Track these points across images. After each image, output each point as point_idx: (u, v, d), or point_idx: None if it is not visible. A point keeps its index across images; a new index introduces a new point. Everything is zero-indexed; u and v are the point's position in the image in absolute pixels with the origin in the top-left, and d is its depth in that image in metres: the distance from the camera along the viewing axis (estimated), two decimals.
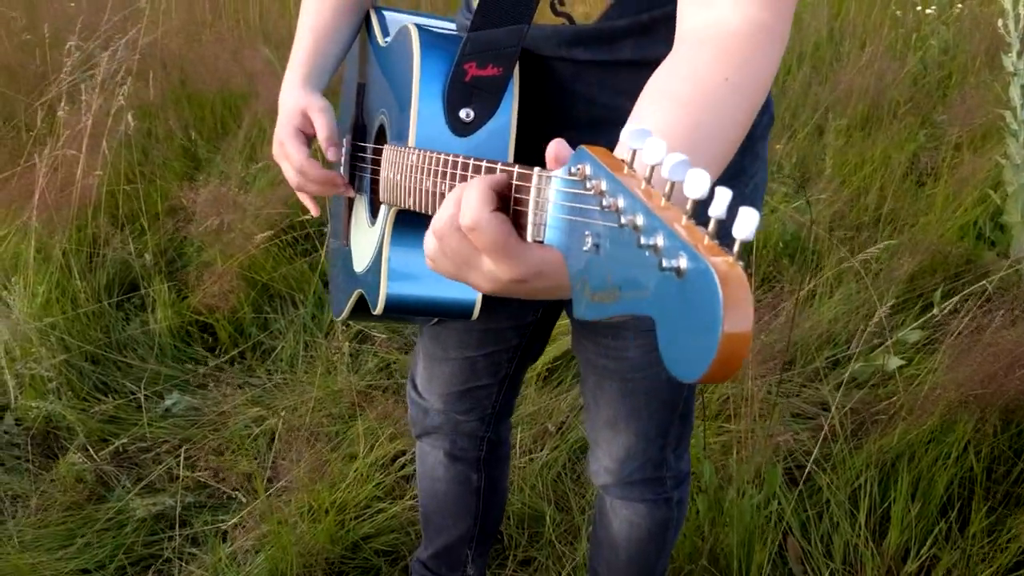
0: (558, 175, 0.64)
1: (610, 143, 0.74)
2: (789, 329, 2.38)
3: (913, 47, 4.49)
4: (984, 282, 2.45)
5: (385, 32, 1.34)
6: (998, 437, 2.13)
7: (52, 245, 2.81)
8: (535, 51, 1.11)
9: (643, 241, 0.48)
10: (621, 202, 0.52)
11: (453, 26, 1.33)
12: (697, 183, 0.49)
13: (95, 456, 2.24)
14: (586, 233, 0.57)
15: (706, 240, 0.47)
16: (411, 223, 1.10)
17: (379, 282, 1.14)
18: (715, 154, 0.86)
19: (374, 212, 1.25)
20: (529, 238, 0.69)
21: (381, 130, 1.26)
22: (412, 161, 0.95)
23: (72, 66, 3.13)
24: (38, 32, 4.01)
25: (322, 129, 1.22)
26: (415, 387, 1.56)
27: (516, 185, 0.71)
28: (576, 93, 1.13)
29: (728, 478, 2.04)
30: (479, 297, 1.12)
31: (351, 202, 1.39)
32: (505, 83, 1.07)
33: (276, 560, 1.90)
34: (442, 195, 0.86)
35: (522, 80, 1.09)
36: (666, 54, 0.91)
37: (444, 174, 0.85)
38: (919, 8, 4.68)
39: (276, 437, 2.28)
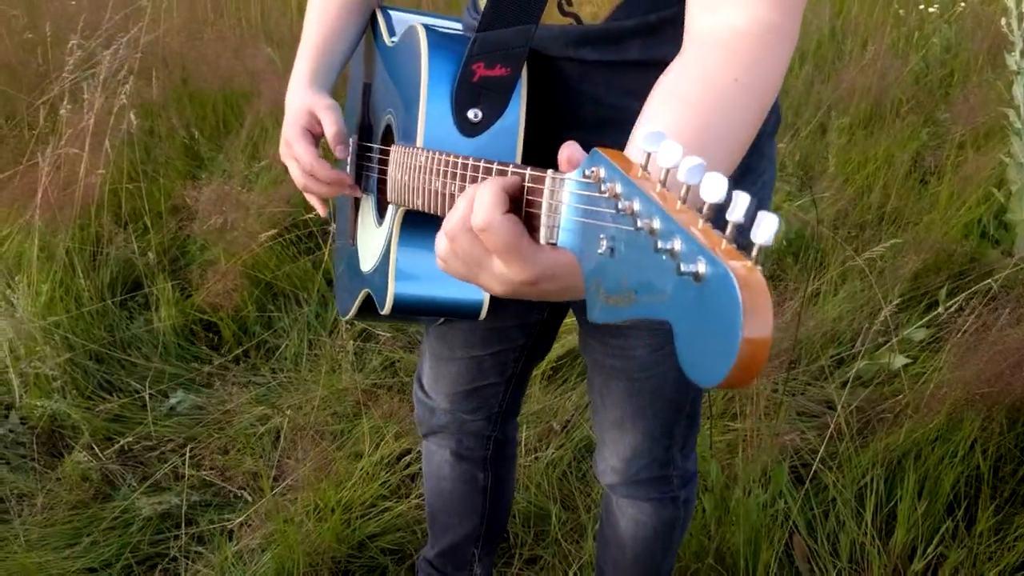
0: (572, 177, 0.64)
1: (617, 143, 0.74)
2: (795, 328, 2.38)
3: (915, 46, 4.48)
4: (989, 281, 2.44)
5: (391, 32, 1.34)
6: (1004, 435, 2.13)
7: (55, 244, 2.81)
8: (542, 51, 1.11)
9: (660, 245, 0.48)
10: (637, 205, 0.52)
11: (459, 26, 1.33)
12: (714, 187, 0.49)
13: (100, 455, 2.24)
14: (600, 236, 0.57)
15: (724, 244, 0.47)
16: (419, 223, 1.10)
17: (386, 282, 1.14)
18: (725, 155, 0.86)
19: (381, 212, 1.25)
20: (542, 240, 0.69)
21: (388, 130, 1.26)
22: (421, 162, 0.95)
23: (74, 65, 3.13)
24: (39, 31, 4.00)
25: (330, 127, 1.22)
26: (421, 386, 1.56)
27: (528, 187, 0.71)
28: (583, 93, 1.13)
29: (734, 477, 2.04)
30: (486, 298, 1.12)
31: (357, 201, 1.39)
32: (513, 83, 1.07)
33: (282, 559, 1.90)
34: (451, 196, 0.86)
35: (529, 80, 1.09)
36: (674, 55, 0.91)
37: (454, 175, 0.85)
38: (922, 7, 4.67)
39: (281, 436, 2.28)
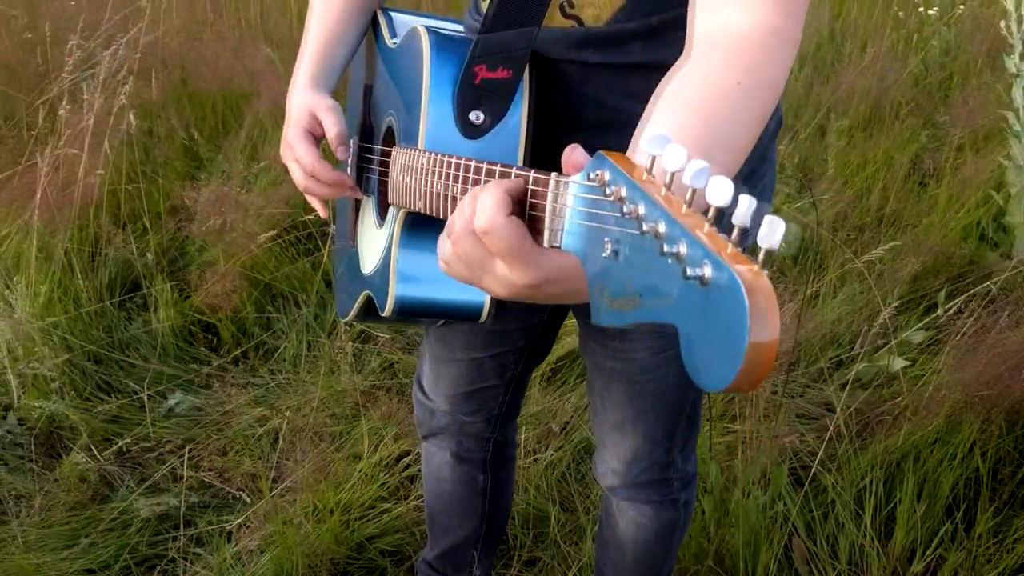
0: (576, 181, 0.64)
1: (619, 146, 0.74)
2: (794, 330, 2.38)
3: (915, 48, 4.49)
4: (988, 283, 2.45)
5: (393, 33, 1.34)
6: (1004, 438, 2.13)
7: (54, 244, 2.81)
8: (544, 53, 1.11)
9: (666, 249, 0.48)
10: (642, 209, 0.52)
11: (461, 28, 1.33)
12: (720, 190, 0.49)
13: (98, 456, 2.24)
14: (605, 239, 0.56)
15: (729, 248, 0.47)
16: (420, 225, 1.10)
17: (388, 284, 1.14)
18: (728, 158, 0.86)
19: (382, 214, 1.25)
20: (546, 243, 0.69)
21: (389, 132, 1.26)
22: (423, 164, 0.95)
23: (73, 65, 3.12)
24: (39, 31, 4.00)
25: (331, 128, 1.22)
26: (421, 388, 1.56)
27: (532, 190, 0.71)
28: (585, 95, 1.13)
29: (733, 479, 2.04)
30: (488, 300, 1.12)
31: (358, 203, 1.39)
32: (515, 86, 1.06)
33: (281, 560, 1.90)
34: (454, 199, 0.86)
35: (531, 82, 1.09)
36: (675, 57, 0.91)
37: (456, 177, 0.85)
38: (921, 9, 4.67)
39: (280, 437, 2.28)
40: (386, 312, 1.15)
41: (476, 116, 1.05)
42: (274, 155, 3.36)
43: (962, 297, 2.44)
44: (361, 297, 1.29)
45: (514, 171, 0.74)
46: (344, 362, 2.54)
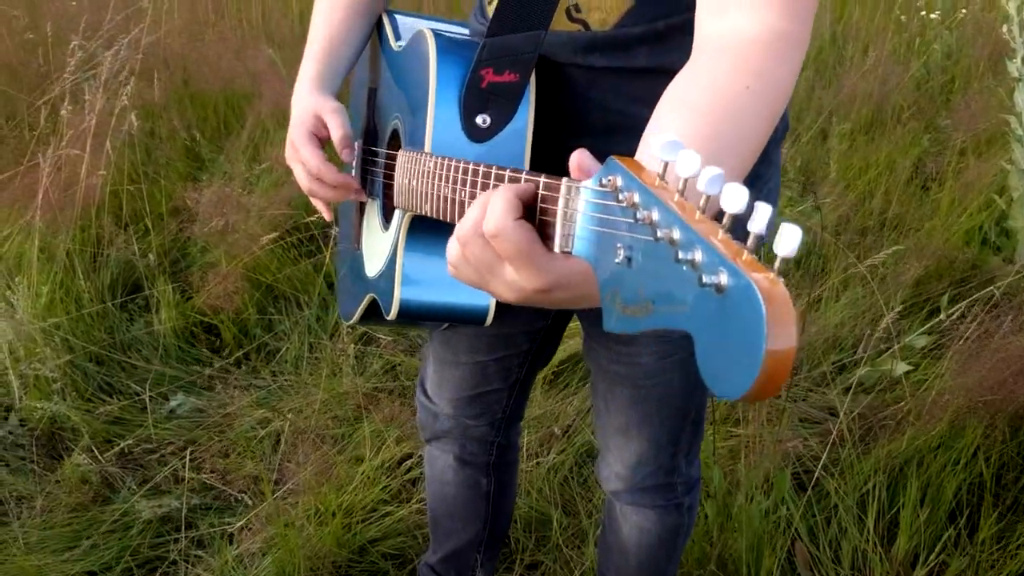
0: (588, 186, 0.63)
1: (625, 150, 0.74)
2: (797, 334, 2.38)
3: (917, 52, 4.49)
4: (992, 288, 2.44)
5: (397, 36, 1.33)
6: (1007, 443, 2.13)
7: (56, 245, 2.81)
8: (550, 57, 1.11)
9: (680, 256, 0.48)
10: (655, 215, 0.52)
11: (466, 31, 1.32)
12: (735, 197, 0.48)
13: (100, 457, 2.23)
14: (617, 245, 0.56)
15: (744, 255, 0.46)
16: (426, 229, 1.10)
17: (393, 287, 1.14)
18: (736, 163, 0.86)
19: (387, 217, 1.24)
20: (556, 249, 0.69)
21: (394, 134, 1.25)
22: (429, 167, 0.95)
23: (75, 65, 3.13)
24: (40, 31, 4.00)
25: (337, 130, 1.22)
26: (425, 391, 1.56)
27: (543, 195, 0.70)
28: (591, 100, 1.12)
29: (736, 483, 2.03)
30: (493, 304, 1.12)
31: (362, 205, 1.38)
32: (522, 89, 1.06)
33: (283, 563, 1.89)
34: (462, 203, 0.86)
35: (537, 86, 1.08)
36: (682, 62, 0.90)
37: (464, 181, 0.85)
38: (923, 13, 4.67)
39: (282, 439, 2.28)
40: (391, 315, 1.15)
41: (483, 120, 1.05)
42: (276, 156, 3.36)
43: (965, 302, 2.44)
44: (365, 300, 1.29)
45: (524, 176, 0.73)
46: (346, 364, 2.54)
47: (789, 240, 0.44)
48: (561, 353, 2.47)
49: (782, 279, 0.45)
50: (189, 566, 1.97)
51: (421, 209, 0.98)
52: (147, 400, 2.38)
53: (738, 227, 0.50)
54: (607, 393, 1.38)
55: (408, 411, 2.33)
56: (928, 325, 2.59)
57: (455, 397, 1.51)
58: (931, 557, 1.91)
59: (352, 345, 2.60)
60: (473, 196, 0.82)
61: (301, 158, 1.23)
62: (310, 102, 1.25)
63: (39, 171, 2.81)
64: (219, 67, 4.00)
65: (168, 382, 2.52)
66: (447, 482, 1.64)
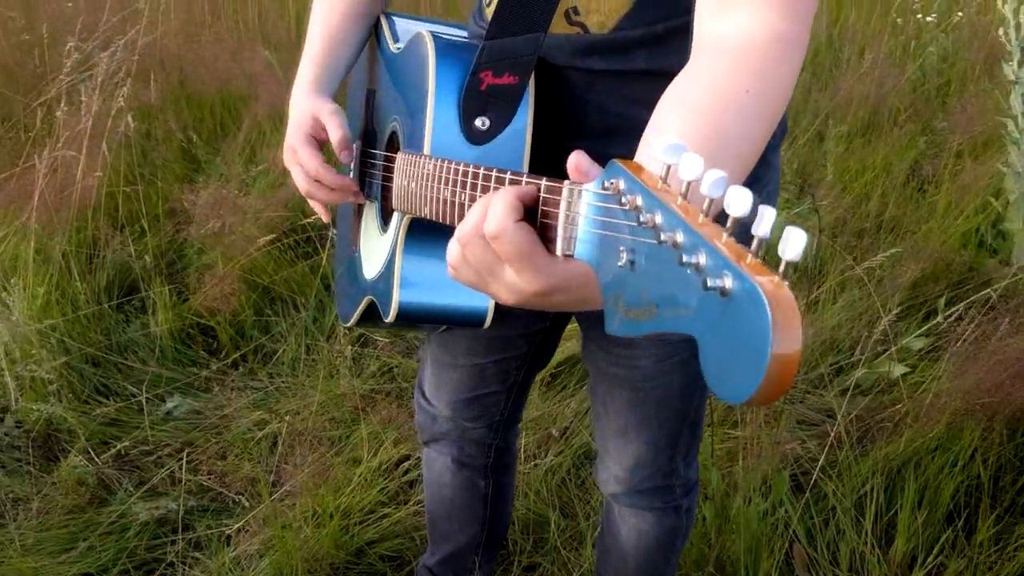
0: (590, 189, 0.63)
1: (624, 152, 0.74)
2: None
3: (912, 54, 4.49)
4: (988, 290, 2.44)
5: (395, 38, 1.33)
6: (1004, 445, 2.13)
7: (52, 246, 2.80)
8: (549, 60, 1.11)
9: (684, 259, 0.48)
10: (659, 218, 0.52)
11: (465, 33, 1.32)
12: (739, 200, 0.48)
13: (96, 459, 2.23)
14: (620, 249, 0.56)
15: (749, 258, 0.46)
16: (425, 231, 1.10)
17: (391, 290, 1.13)
18: (736, 165, 0.85)
19: (385, 219, 1.24)
20: (558, 252, 0.69)
21: (392, 137, 1.25)
22: (428, 170, 0.94)
23: (71, 67, 3.12)
24: (36, 32, 3.99)
25: (335, 131, 1.21)
26: (423, 393, 1.56)
27: (544, 198, 0.70)
28: (589, 102, 1.12)
29: (734, 485, 2.03)
30: (491, 306, 1.12)
31: (360, 208, 1.38)
32: (521, 92, 1.06)
33: (280, 565, 1.89)
34: (461, 205, 0.85)
35: (536, 89, 1.08)
36: (680, 65, 0.90)
37: (464, 184, 0.84)
38: (919, 16, 4.68)
39: (279, 441, 2.27)
40: (389, 318, 1.15)
41: (482, 122, 1.05)
42: (272, 158, 3.35)
43: (962, 304, 2.44)
44: (363, 302, 1.29)
45: (525, 178, 0.73)
46: (343, 366, 2.54)
47: (795, 244, 0.44)
48: (559, 355, 2.47)
49: (787, 283, 0.45)
50: (186, 568, 1.97)
51: (420, 211, 0.98)
52: (143, 402, 2.38)
53: (740, 230, 0.50)
54: (606, 396, 1.38)
55: (405, 413, 2.33)
56: (925, 327, 2.59)
57: (453, 399, 1.51)
58: (929, 559, 1.92)
59: (349, 347, 2.60)
60: (473, 199, 0.82)
61: (299, 160, 1.22)
62: (308, 104, 1.25)
63: (35, 172, 2.80)
64: (215, 68, 3.99)
65: (164, 384, 2.52)
66: (445, 484, 1.64)
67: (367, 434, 2.25)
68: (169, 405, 2.44)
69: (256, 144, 3.60)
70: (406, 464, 2.21)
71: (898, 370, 2.39)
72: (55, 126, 3.05)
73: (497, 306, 1.11)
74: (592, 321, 1.33)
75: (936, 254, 2.91)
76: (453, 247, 0.77)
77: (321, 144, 1.26)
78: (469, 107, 1.05)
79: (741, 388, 0.44)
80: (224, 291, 2.70)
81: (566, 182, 0.68)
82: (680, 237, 0.49)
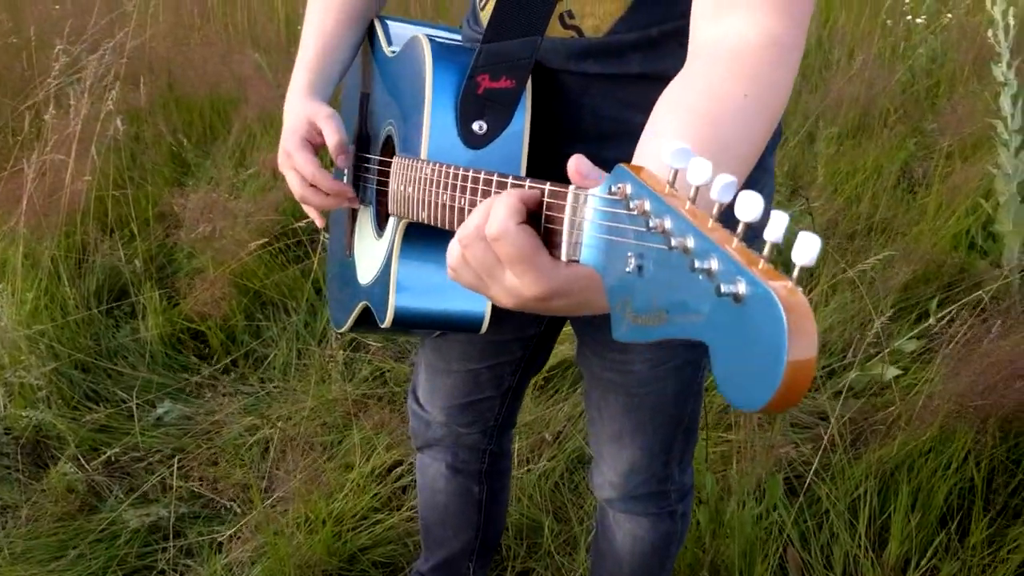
0: (597, 194, 0.62)
1: (618, 156, 0.73)
2: None
3: (902, 56, 4.51)
4: (980, 292, 2.45)
5: (390, 42, 1.33)
6: (997, 448, 2.13)
7: (40, 251, 2.78)
8: (544, 64, 1.10)
9: (697, 265, 0.47)
10: (668, 223, 0.51)
11: (459, 37, 1.32)
12: (750, 205, 0.48)
13: (86, 466, 2.21)
14: (628, 254, 0.55)
15: (761, 264, 0.46)
16: (421, 236, 1.09)
17: (387, 295, 1.13)
18: (735, 169, 0.85)
19: (381, 224, 1.23)
20: (564, 257, 0.68)
21: (387, 141, 1.24)
22: (426, 174, 0.94)
23: (59, 70, 3.10)
24: (24, 35, 3.97)
25: (332, 136, 1.20)
26: (416, 399, 1.55)
27: (548, 203, 0.69)
28: (584, 106, 1.12)
29: (728, 489, 2.03)
30: (488, 311, 1.11)
31: (354, 212, 1.37)
32: (518, 96, 1.05)
33: (272, 572, 1.88)
34: (461, 210, 0.85)
35: (531, 93, 1.08)
36: (675, 68, 0.90)
37: (464, 188, 0.84)
38: (909, 17, 4.70)
39: (271, 447, 2.26)
40: (385, 323, 1.14)
41: (479, 126, 1.04)
42: (263, 161, 3.34)
43: (954, 306, 2.44)
44: (358, 307, 1.28)
45: (528, 182, 0.73)
46: (335, 370, 2.52)
47: (807, 248, 0.44)
48: (552, 359, 2.45)
49: (800, 288, 0.44)
50: (178, 575, 1.95)
51: (418, 216, 0.97)
52: (134, 408, 2.36)
53: (749, 235, 0.49)
54: (600, 401, 1.37)
55: (398, 418, 2.32)
56: (917, 329, 2.59)
57: (447, 405, 1.50)
58: (922, 562, 1.91)
59: (341, 351, 2.59)
60: (473, 204, 0.81)
61: (295, 165, 1.21)
62: (303, 108, 1.24)
63: (23, 176, 2.78)
64: (205, 71, 3.98)
65: (155, 389, 2.50)
66: (439, 490, 1.63)
67: (359, 439, 2.24)
68: (160, 411, 2.42)
69: (246, 147, 3.58)
70: (399, 469, 2.20)
71: (891, 372, 2.39)
72: (43, 130, 3.04)
73: (493, 310, 1.10)
74: (587, 326, 1.33)
75: (927, 256, 2.91)
76: (454, 248, 0.76)
77: (316, 148, 1.25)
78: (466, 111, 1.04)
79: (756, 396, 0.43)
80: (215, 295, 2.69)
81: (571, 187, 0.67)
82: (691, 242, 0.48)
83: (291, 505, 2.05)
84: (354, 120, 1.40)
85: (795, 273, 0.44)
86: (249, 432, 2.33)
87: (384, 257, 1.15)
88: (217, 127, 3.86)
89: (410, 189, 0.99)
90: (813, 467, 2.06)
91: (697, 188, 0.53)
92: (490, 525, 1.69)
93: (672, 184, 0.55)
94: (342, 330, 1.38)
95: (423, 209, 0.95)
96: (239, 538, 2.01)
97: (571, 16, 1.08)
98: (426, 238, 1.09)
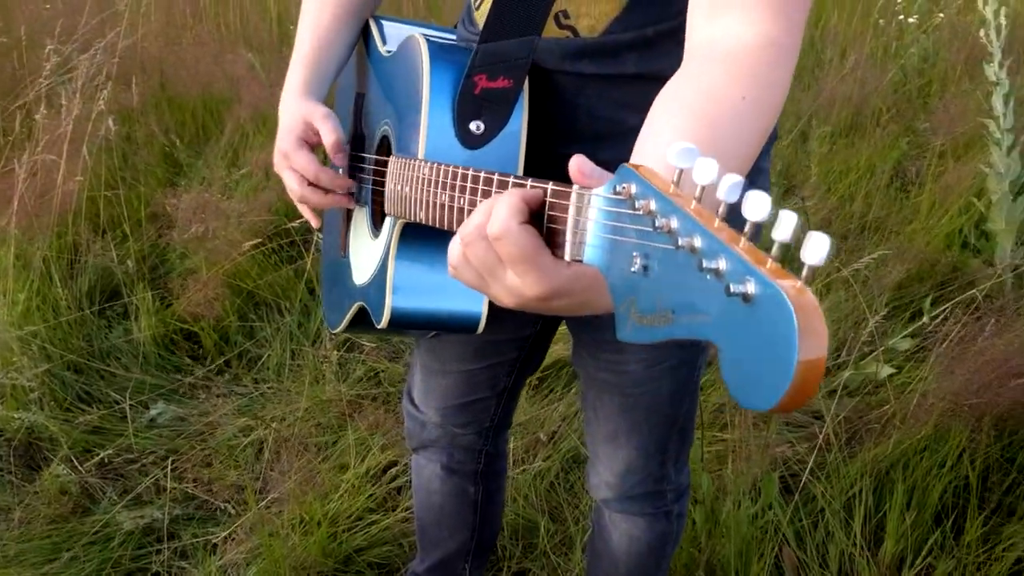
0: (601, 194, 0.62)
1: (614, 157, 0.73)
2: None
3: (893, 55, 4.52)
4: (975, 291, 2.45)
5: (385, 41, 1.32)
6: (992, 446, 2.14)
7: (32, 252, 2.77)
8: (539, 64, 1.10)
9: (705, 264, 0.47)
10: (674, 223, 0.51)
11: (454, 37, 1.31)
12: (758, 205, 0.47)
13: (79, 467, 2.20)
14: (634, 254, 0.55)
15: (769, 263, 0.45)
16: (418, 236, 1.08)
17: (384, 295, 1.12)
18: (734, 166, 0.85)
19: (376, 224, 1.23)
20: (567, 257, 0.67)
21: (383, 141, 1.24)
22: (424, 174, 0.93)
23: (50, 69, 3.09)
24: (14, 35, 3.94)
25: (329, 135, 1.20)
26: (411, 400, 1.54)
27: (551, 203, 0.69)
28: (579, 106, 1.12)
29: (723, 488, 2.03)
30: (485, 312, 1.10)
31: (348, 212, 1.36)
32: (515, 95, 1.05)
33: (268, 573, 1.87)
34: (460, 210, 0.84)
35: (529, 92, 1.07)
36: (671, 68, 0.89)
37: (463, 188, 0.83)
38: (901, 17, 4.71)
39: (265, 448, 2.25)
40: (382, 324, 1.13)
41: (477, 126, 1.04)
42: (256, 161, 3.33)
43: (948, 305, 2.45)
44: (353, 308, 1.27)
45: (530, 182, 0.72)
46: (329, 371, 2.52)
47: (818, 248, 0.43)
48: (546, 358, 2.46)
49: (810, 288, 0.44)
50: None
51: (415, 216, 0.97)
52: (127, 409, 2.35)
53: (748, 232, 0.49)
54: (595, 401, 1.37)
55: (392, 418, 2.31)
56: (911, 328, 2.60)
57: (442, 406, 1.50)
58: (918, 560, 1.92)
59: (335, 352, 2.58)
60: (473, 204, 0.81)
61: (295, 165, 1.21)
62: (299, 108, 1.23)
63: (14, 177, 2.77)
64: (197, 71, 3.96)
65: (148, 390, 2.49)
66: (434, 491, 1.62)
67: (354, 440, 2.23)
68: (153, 412, 2.41)
69: (239, 147, 3.57)
70: (394, 470, 2.19)
71: (885, 371, 2.39)
72: (35, 130, 3.02)
73: (490, 312, 1.10)
74: (583, 326, 1.32)
75: (921, 255, 2.92)
76: (455, 246, 0.76)
77: (313, 148, 1.24)
78: (464, 111, 1.04)
79: (766, 396, 0.43)
80: (208, 296, 2.68)
81: (575, 187, 0.66)
82: (698, 242, 0.48)
83: (286, 506, 2.04)
84: (348, 120, 1.39)
85: (804, 272, 0.44)
86: (243, 433, 2.33)
87: (380, 257, 1.15)
88: (210, 127, 3.85)
89: (407, 189, 0.98)
90: (808, 466, 2.06)
91: (703, 188, 0.52)
92: (486, 526, 1.69)
93: (677, 184, 0.55)
94: (337, 330, 1.37)
95: (421, 209, 0.94)
96: (234, 539, 2.00)
97: (566, 16, 1.08)
98: (423, 238, 1.09)
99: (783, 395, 0.42)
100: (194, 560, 1.98)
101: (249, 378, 2.58)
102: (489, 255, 0.72)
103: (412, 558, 1.84)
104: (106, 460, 2.24)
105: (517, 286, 0.72)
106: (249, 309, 2.81)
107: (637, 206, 0.55)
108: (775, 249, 0.46)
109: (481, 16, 1.14)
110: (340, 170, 1.33)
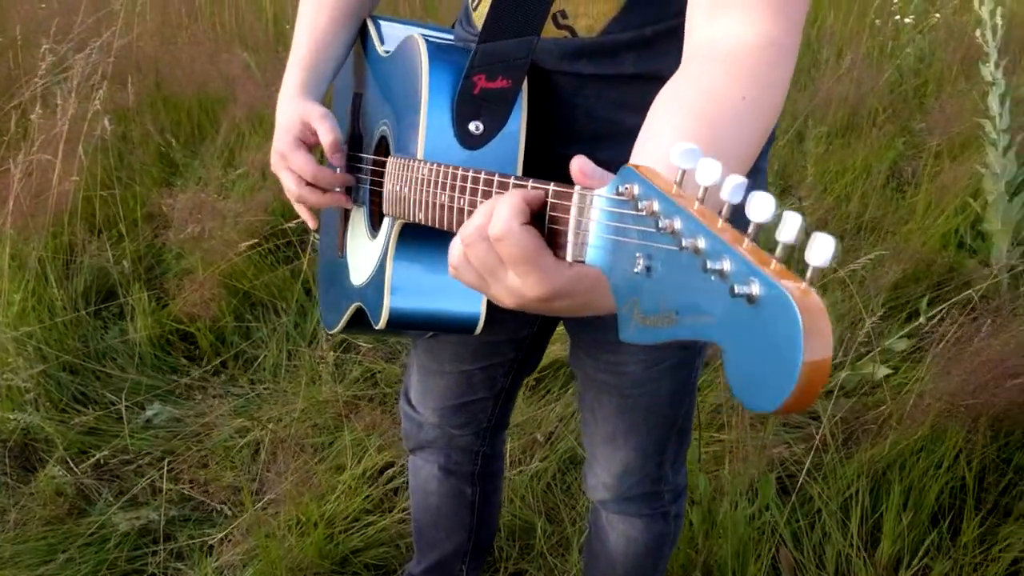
0: (603, 195, 0.62)
1: (613, 157, 0.73)
2: None
3: (890, 56, 4.52)
4: (971, 291, 2.46)
5: (383, 41, 1.32)
6: (988, 447, 2.14)
7: (27, 252, 2.76)
8: (537, 64, 1.10)
9: (709, 265, 0.47)
10: (678, 224, 0.51)
11: (452, 37, 1.31)
12: (762, 206, 0.47)
13: (75, 469, 2.19)
14: (637, 255, 0.55)
15: (773, 264, 0.45)
16: (416, 237, 1.08)
17: (382, 296, 1.12)
18: (735, 166, 0.84)
19: (375, 224, 1.22)
20: (569, 258, 0.67)
21: (381, 141, 1.23)
22: (423, 174, 0.93)
23: (46, 69, 3.07)
24: (9, 34, 3.93)
25: (327, 135, 1.19)
26: (409, 400, 1.54)
27: (552, 203, 0.69)
28: (577, 106, 1.11)
29: (720, 489, 2.03)
30: (483, 312, 1.10)
31: (346, 213, 1.36)
32: (514, 95, 1.05)
33: (264, 574, 1.87)
34: (460, 210, 0.84)
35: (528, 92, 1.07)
36: (669, 68, 0.89)
37: (463, 189, 0.83)
38: (897, 17, 4.71)
39: (261, 449, 2.25)
40: (380, 324, 1.13)
41: (476, 126, 1.03)
42: (252, 161, 3.32)
43: (944, 305, 2.45)
44: (351, 309, 1.27)
45: (531, 183, 0.72)
46: (325, 372, 2.51)
47: (822, 249, 0.43)
48: (543, 359, 2.46)
49: (814, 289, 0.44)
50: None
51: (414, 217, 0.96)
52: (123, 410, 2.34)
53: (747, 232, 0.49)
54: (594, 402, 1.37)
55: (389, 419, 2.31)
56: (908, 328, 2.60)
57: (440, 407, 1.49)
58: (914, 561, 1.92)
59: (331, 352, 2.58)
60: (473, 204, 0.80)
61: (292, 165, 1.20)
62: (296, 108, 1.23)
63: (9, 177, 2.76)
64: (192, 71, 3.95)
65: (144, 391, 2.48)
66: (431, 492, 1.62)
67: (350, 441, 2.23)
68: (149, 413, 2.41)
69: (235, 147, 3.56)
70: (391, 471, 2.19)
71: (881, 371, 2.39)
72: (30, 129, 3.01)
73: (488, 312, 1.10)
74: (580, 327, 1.32)
75: (917, 255, 2.92)
76: (455, 246, 0.75)
77: (310, 148, 1.24)
78: (463, 111, 1.04)
79: (770, 397, 0.43)
80: (204, 296, 2.67)
81: (576, 187, 0.66)
82: (702, 243, 0.48)
83: (282, 507, 2.04)
84: (346, 120, 1.39)
85: (809, 273, 0.44)
86: (239, 434, 2.32)
87: (378, 258, 1.15)
88: (205, 127, 3.84)
89: (406, 189, 0.98)
90: (805, 467, 2.06)
91: (706, 189, 0.52)
92: (483, 527, 1.68)
93: (679, 184, 0.55)
94: (334, 331, 1.37)
95: (420, 210, 0.94)
96: (230, 541, 1.99)
97: (564, 16, 1.08)
98: (421, 239, 1.08)
99: (788, 396, 0.42)
100: (190, 561, 1.97)
101: (245, 379, 2.57)
102: (490, 256, 0.72)
103: (409, 559, 1.84)
104: (102, 461, 2.23)
105: (518, 287, 0.72)
106: (245, 310, 2.81)
107: (640, 207, 0.54)
108: (779, 250, 0.46)
109: (479, 17, 1.14)
110: (338, 170, 1.33)
